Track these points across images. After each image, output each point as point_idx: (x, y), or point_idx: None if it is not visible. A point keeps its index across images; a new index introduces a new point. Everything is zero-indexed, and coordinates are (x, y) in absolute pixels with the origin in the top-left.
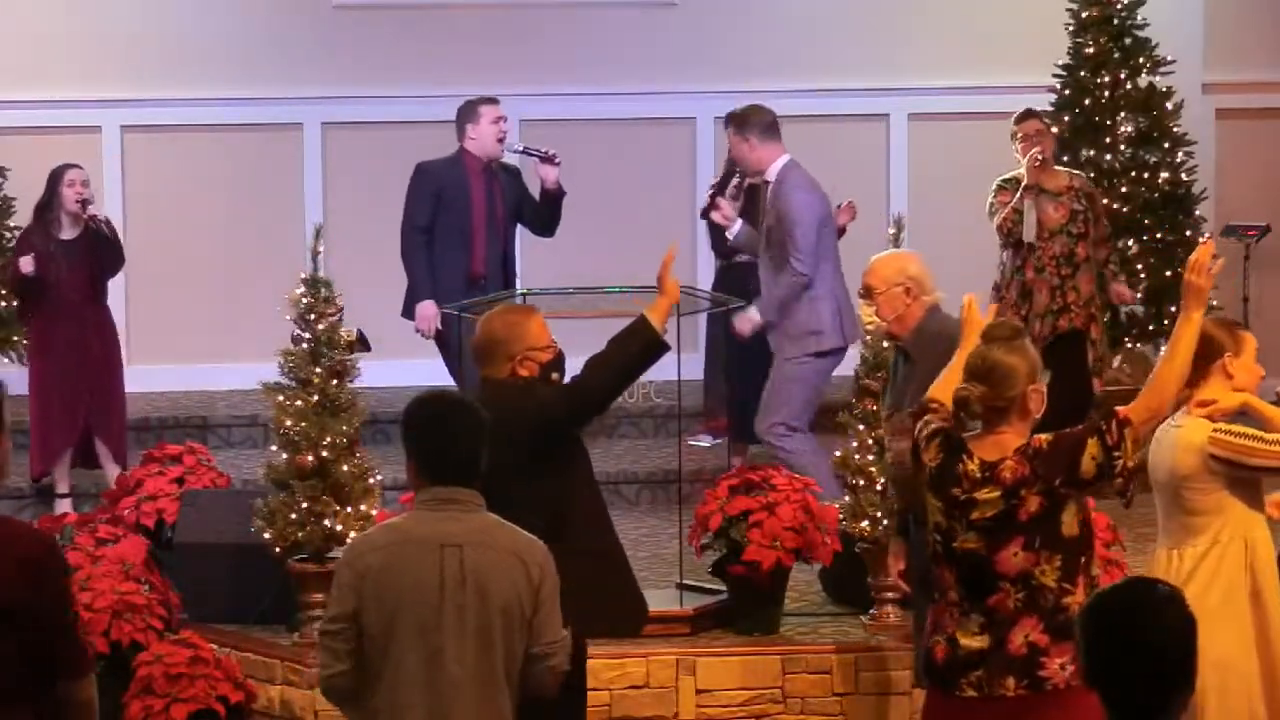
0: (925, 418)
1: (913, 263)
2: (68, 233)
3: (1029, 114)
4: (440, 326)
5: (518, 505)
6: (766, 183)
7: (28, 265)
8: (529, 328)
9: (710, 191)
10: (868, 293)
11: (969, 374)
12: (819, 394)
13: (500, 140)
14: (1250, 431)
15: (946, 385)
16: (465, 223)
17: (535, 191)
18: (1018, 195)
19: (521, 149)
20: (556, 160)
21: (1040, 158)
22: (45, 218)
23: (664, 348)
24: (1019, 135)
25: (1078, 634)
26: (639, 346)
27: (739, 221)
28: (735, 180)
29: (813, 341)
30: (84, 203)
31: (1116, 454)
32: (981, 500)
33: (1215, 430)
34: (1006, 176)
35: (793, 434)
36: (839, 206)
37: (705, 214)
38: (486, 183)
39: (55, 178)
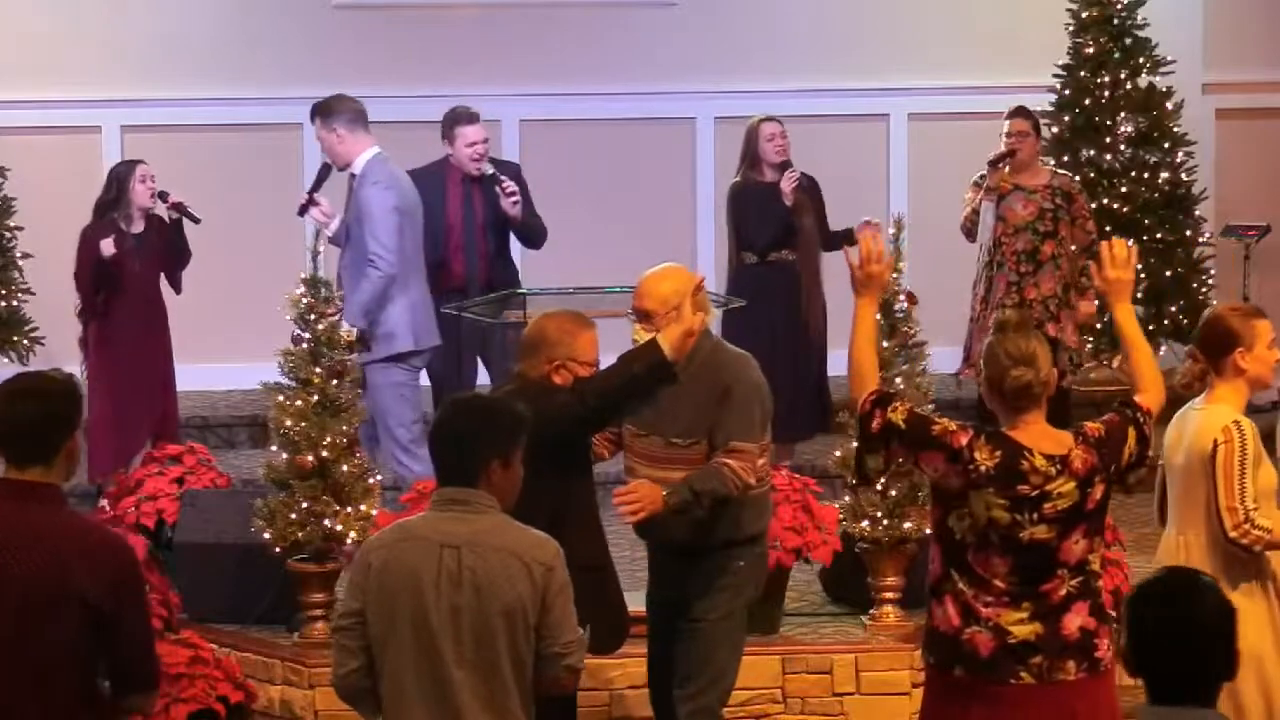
0: (904, 408)
1: (688, 280)
2: (136, 227)
3: (1017, 111)
4: None
5: (519, 507)
6: (354, 176)
7: (109, 247)
8: (579, 339)
9: (308, 190)
10: (644, 316)
11: (1015, 360)
12: (415, 397)
13: (474, 162)
14: (1249, 463)
15: (870, 368)
16: (440, 234)
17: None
18: (979, 197)
19: (490, 174)
20: (510, 194)
21: (1002, 163)
22: (111, 216)
23: (668, 371)
24: (1004, 130)
25: (1124, 620)
26: (644, 367)
27: (337, 218)
28: (792, 171)
29: (383, 345)
30: (162, 194)
31: (1148, 444)
32: (1055, 493)
33: (1235, 424)
34: (983, 172)
35: (415, 456)
36: (865, 222)
37: (302, 212)
38: (465, 192)
39: (124, 176)
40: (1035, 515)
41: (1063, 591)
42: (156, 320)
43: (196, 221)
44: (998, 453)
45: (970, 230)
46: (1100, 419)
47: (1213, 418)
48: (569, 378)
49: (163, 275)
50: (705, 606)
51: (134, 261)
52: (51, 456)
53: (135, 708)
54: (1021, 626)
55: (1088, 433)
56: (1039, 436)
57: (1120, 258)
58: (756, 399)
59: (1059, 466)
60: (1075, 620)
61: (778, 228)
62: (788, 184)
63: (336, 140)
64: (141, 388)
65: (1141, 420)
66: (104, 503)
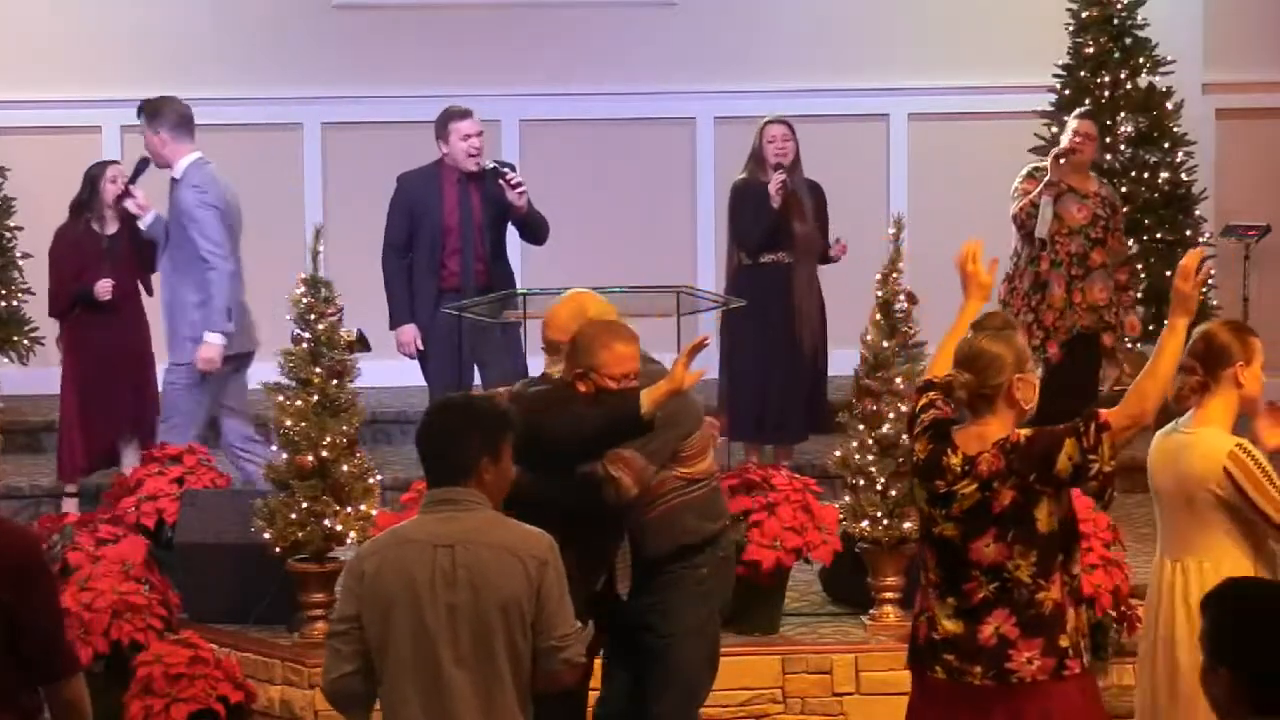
0: (926, 397)
1: (592, 303)
2: (110, 228)
3: (1088, 114)
4: (421, 346)
5: (527, 505)
6: (175, 180)
7: (106, 292)
8: (603, 352)
9: (125, 183)
10: (551, 348)
11: (955, 361)
12: (212, 400)
13: (471, 156)
14: (1271, 471)
15: (944, 359)
16: (437, 235)
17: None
18: (1039, 189)
19: (491, 167)
20: (515, 185)
21: (1064, 158)
22: (84, 216)
23: (642, 428)
24: (1070, 128)
25: (1232, 633)
26: (614, 420)
27: (153, 213)
28: (781, 176)
29: (193, 348)
30: (121, 196)
31: (1092, 457)
32: (959, 493)
33: (1239, 447)
34: (1037, 164)
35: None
36: (836, 242)
37: (118, 201)
38: (461, 192)
39: (97, 176)
40: (944, 512)
41: (980, 595)
42: (133, 321)
43: (136, 218)
44: (929, 446)
45: (1024, 222)
46: (1043, 427)
47: (1208, 444)
48: (592, 387)
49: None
50: (673, 620)
51: (106, 266)
52: None
53: (60, 695)
54: (948, 622)
55: (1010, 438)
56: (974, 437)
57: (1188, 269)
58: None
59: (967, 467)
60: (991, 626)
61: (764, 229)
62: (773, 187)
63: (159, 143)
64: (112, 389)
65: (1084, 430)
66: (67, 503)
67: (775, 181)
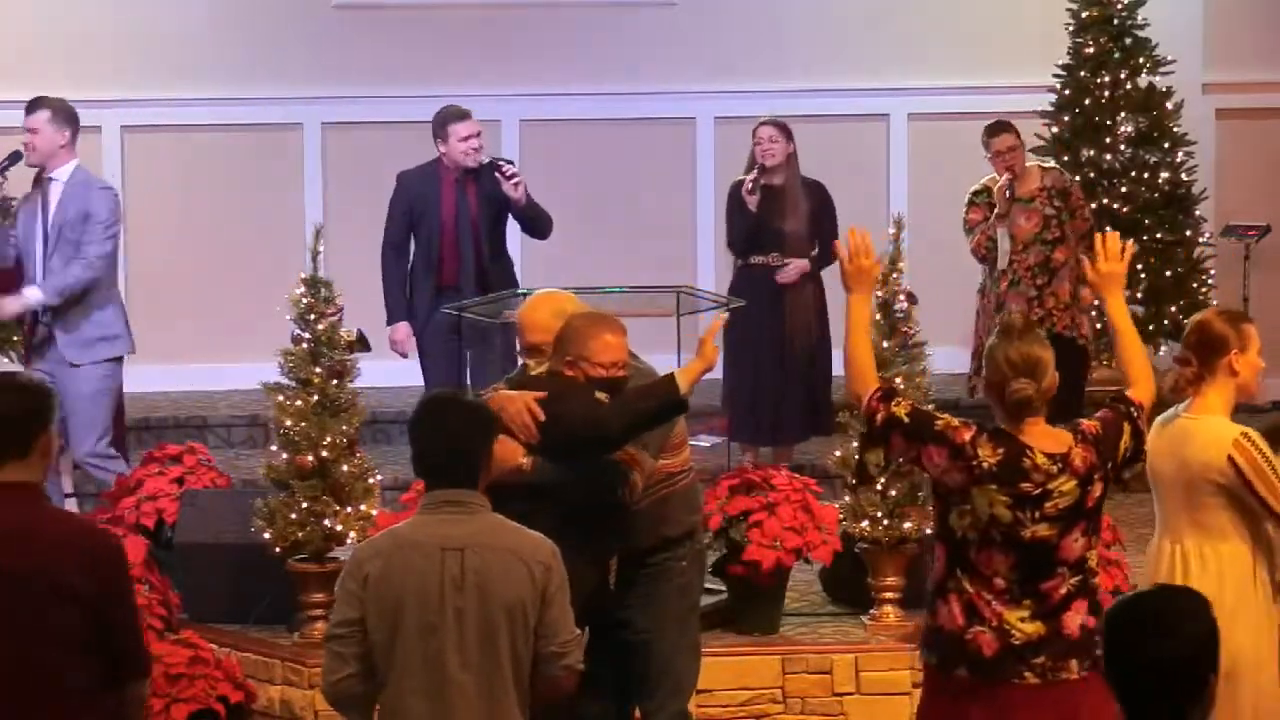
0: (905, 404)
1: (569, 302)
2: None
3: (1002, 127)
4: (413, 347)
5: (542, 498)
6: (50, 179)
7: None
8: (591, 340)
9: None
10: (533, 350)
11: (1015, 369)
12: (118, 402)
13: (469, 156)
14: (1274, 460)
15: (867, 365)
16: (434, 232)
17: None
18: (990, 221)
19: (489, 161)
20: (511, 177)
21: (1010, 190)
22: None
23: (682, 408)
24: (992, 148)
25: (1104, 637)
26: (657, 403)
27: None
28: (751, 177)
29: (105, 347)
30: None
31: (1144, 439)
32: (1057, 491)
33: (1244, 435)
34: (976, 189)
35: (117, 457)
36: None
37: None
38: (458, 191)
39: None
40: (1037, 514)
41: (1063, 590)
42: None
43: None
44: (1000, 450)
45: (985, 256)
46: (1096, 416)
47: (1212, 430)
48: (582, 375)
49: None
50: (655, 615)
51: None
52: (28, 451)
53: (137, 694)
54: (1026, 625)
55: (1085, 430)
56: (1039, 436)
57: (1113, 251)
58: None
59: (1060, 465)
60: (1076, 619)
61: (744, 231)
62: (744, 188)
63: (59, 141)
64: None
65: (1135, 415)
66: (66, 503)
67: (746, 183)
